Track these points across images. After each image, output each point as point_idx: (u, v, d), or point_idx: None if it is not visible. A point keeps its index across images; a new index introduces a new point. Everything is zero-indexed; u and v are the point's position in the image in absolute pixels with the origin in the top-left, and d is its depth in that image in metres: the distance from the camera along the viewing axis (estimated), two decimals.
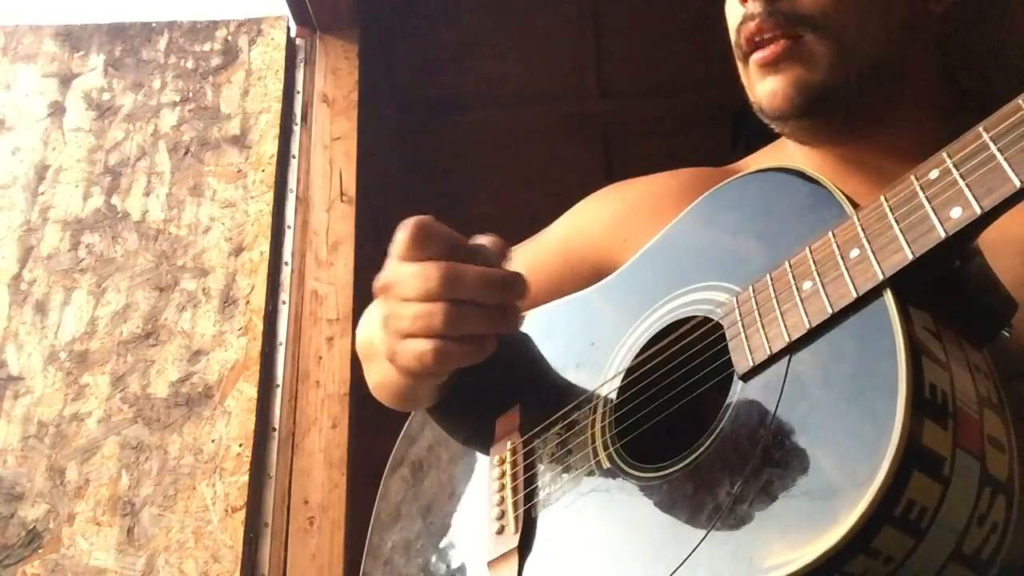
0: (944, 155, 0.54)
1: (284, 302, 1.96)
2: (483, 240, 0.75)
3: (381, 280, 0.73)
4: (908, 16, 0.83)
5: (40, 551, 1.65)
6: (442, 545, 0.87)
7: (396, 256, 0.72)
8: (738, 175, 0.75)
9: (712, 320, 0.69)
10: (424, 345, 0.70)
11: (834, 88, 0.79)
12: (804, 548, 0.50)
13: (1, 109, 2.14)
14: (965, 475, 0.51)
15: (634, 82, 2.83)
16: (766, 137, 0.99)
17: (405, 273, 0.71)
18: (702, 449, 0.63)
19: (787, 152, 0.91)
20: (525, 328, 0.91)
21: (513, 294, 0.72)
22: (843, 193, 0.63)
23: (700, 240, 0.76)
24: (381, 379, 0.94)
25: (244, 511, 1.69)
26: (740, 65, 0.87)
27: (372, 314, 0.90)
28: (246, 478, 1.72)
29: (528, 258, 0.99)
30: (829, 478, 0.52)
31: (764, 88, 0.82)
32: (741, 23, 0.83)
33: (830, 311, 0.57)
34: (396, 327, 0.72)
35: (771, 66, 0.81)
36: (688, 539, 0.59)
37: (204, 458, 1.75)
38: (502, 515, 0.78)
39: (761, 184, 0.72)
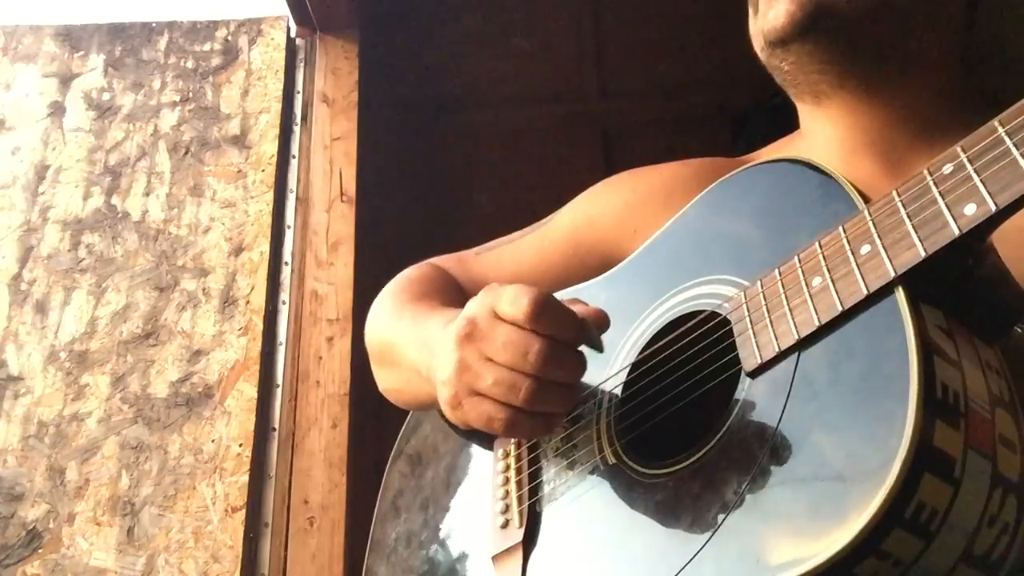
0: (958, 149, 0.53)
1: (284, 302, 1.96)
2: (585, 311, 0.72)
3: (467, 325, 0.69)
4: None
5: (40, 551, 1.65)
6: (445, 537, 0.86)
7: (495, 309, 0.69)
8: (746, 166, 0.75)
9: (719, 315, 0.68)
10: (496, 412, 0.68)
11: (831, 9, 0.79)
12: (812, 550, 0.50)
13: (1, 109, 2.13)
14: (976, 476, 0.50)
15: (634, 82, 2.83)
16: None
17: (501, 336, 0.67)
18: (708, 447, 0.62)
19: (799, 145, 0.90)
20: None
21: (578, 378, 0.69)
22: (854, 186, 0.62)
23: (707, 232, 0.75)
24: (401, 386, 0.93)
25: (244, 511, 1.69)
26: (751, 12, 0.86)
27: (413, 328, 0.87)
28: (246, 478, 1.72)
29: (535, 247, 0.98)
30: (838, 479, 0.52)
31: (767, 14, 0.82)
32: None
33: (840, 308, 0.56)
34: (471, 383, 0.68)
35: None
36: (694, 539, 0.58)
37: (204, 458, 1.75)
38: (507, 509, 0.78)
39: (770, 175, 0.71)
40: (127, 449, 1.75)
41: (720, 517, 0.57)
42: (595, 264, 0.92)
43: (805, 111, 0.90)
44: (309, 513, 1.72)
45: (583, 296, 0.87)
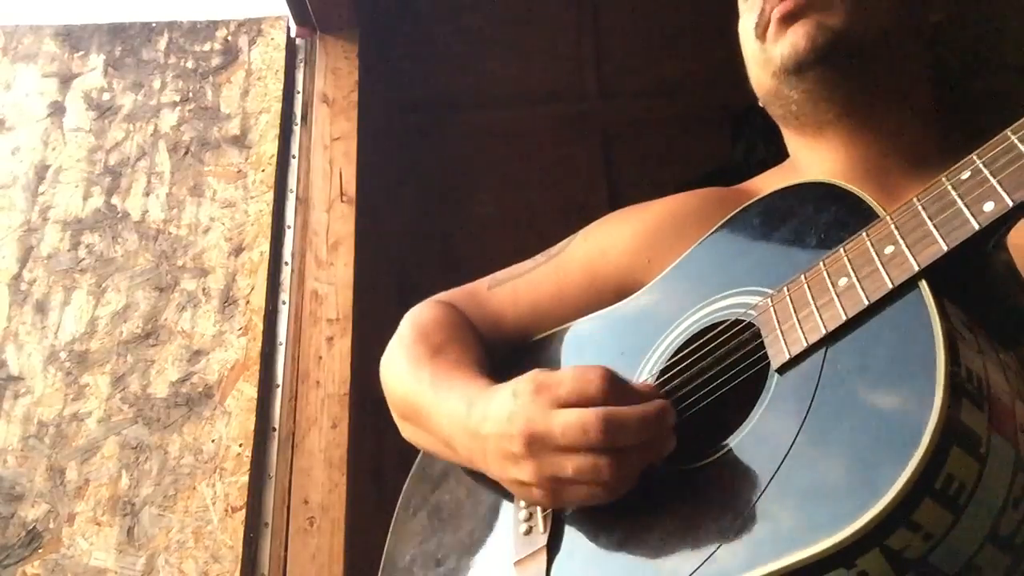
0: (974, 157, 0.57)
1: (284, 302, 1.96)
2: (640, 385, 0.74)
3: (526, 443, 0.70)
4: (910, 14, 0.88)
5: (40, 551, 1.65)
6: (465, 551, 0.86)
7: (550, 401, 0.70)
8: (769, 193, 0.77)
9: (745, 321, 0.70)
10: (595, 493, 0.69)
11: (850, 36, 0.84)
12: (848, 520, 0.51)
13: (1, 109, 2.13)
14: (1000, 457, 0.52)
15: (634, 82, 2.83)
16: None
17: (560, 424, 0.68)
18: (738, 439, 0.64)
19: (796, 170, 0.93)
20: (555, 346, 0.93)
21: (667, 424, 0.69)
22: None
23: (731, 253, 0.78)
24: (433, 449, 0.94)
25: (244, 511, 1.69)
26: (756, 44, 0.89)
27: (436, 397, 0.88)
28: (246, 478, 1.72)
29: (551, 279, 1.00)
30: (871, 453, 0.53)
31: (785, 41, 0.86)
32: None
33: (866, 302, 0.59)
34: (557, 475, 0.70)
35: (792, 17, 0.85)
36: (725, 525, 0.60)
37: (204, 458, 1.75)
38: (530, 516, 0.79)
39: (791, 198, 0.74)
40: (127, 449, 1.75)
41: (752, 500, 0.59)
42: (610, 295, 0.94)
43: (802, 144, 0.93)
44: (309, 513, 1.72)
45: (606, 320, 0.91)
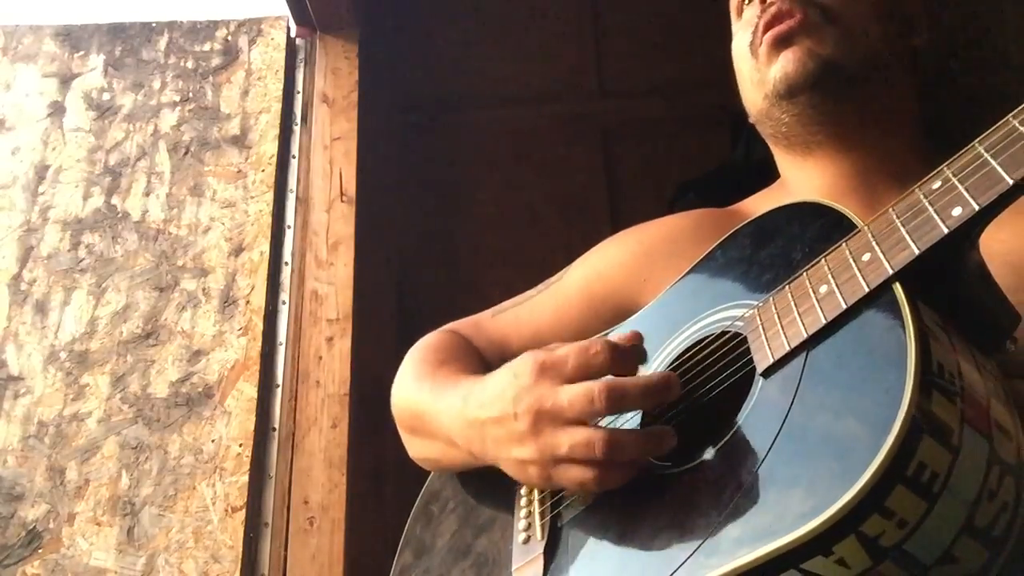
0: (944, 168, 0.61)
1: (284, 302, 1.96)
2: (621, 338, 0.75)
3: (537, 404, 0.72)
4: (896, 40, 0.92)
5: (40, 551, 1.65)
6: (467, 564, 0.88)
7: (558, 378, 0.72)
8: (759, 215, 0.80)
9: (732, 331, 0.73)
10: (584, 474, 0.70)
11: (840, 63, 0.87)
12: (823, 507, 0.52)
13: (1, 109, 2.13)
14: (974, 449, 0.53)
15: (634, 82, 2.82)
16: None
17: (567, 397, 0.70)
18: (724, 440, 0.66)
19: (784, 196, 0.95)
20: None
21: (672, 393, 0.71)
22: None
23: (722, 272, 0.82)
24: (438, 456, 0.95)
25: (244, 511, 1.69)
26: (750, 63, 0.91)
27: (437, 398, 0.89)
28: (246, 478, 1.72)
29: (550, 305, 1.03)
30: (846, 443, 0.55)
31: (777, 66, 0.89)
32: (765, 9, 0.91)
33: (844, 306, 0.62)
34: (554, 454, 0.71)
35: (785, 41, 0.88)
36: (711, 519, 0.62)
37: (204, 458, 1.75)
38: (528, 526, 0.81)
39: (779, 218, 0.78)
40: (127, 449, 1.76)
41: (735, 495, 0.61)
42: (609, 315, 0.96)
43: (791, 163, 0.96)
44: (309, 513, 1.72)
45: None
